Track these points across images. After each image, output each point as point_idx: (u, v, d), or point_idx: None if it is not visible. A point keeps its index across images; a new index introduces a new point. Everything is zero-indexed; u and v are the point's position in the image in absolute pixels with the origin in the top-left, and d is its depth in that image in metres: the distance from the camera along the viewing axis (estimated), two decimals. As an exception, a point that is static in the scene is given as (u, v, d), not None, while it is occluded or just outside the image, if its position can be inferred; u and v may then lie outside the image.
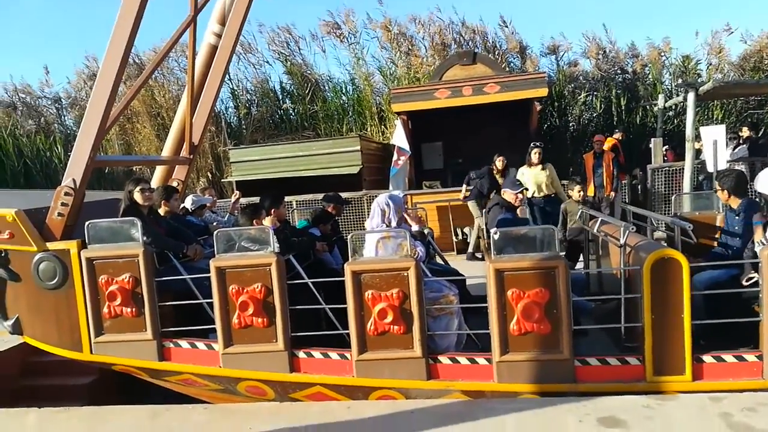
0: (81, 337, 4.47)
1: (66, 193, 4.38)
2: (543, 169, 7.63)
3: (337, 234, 6.03)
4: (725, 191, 4.51)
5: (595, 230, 5.13)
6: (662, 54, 14.01)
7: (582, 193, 6.44)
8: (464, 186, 8.75)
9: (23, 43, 31.59)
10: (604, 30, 14.78)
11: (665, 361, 3.69)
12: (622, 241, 4.06)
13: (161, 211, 5.28)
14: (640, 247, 3.90)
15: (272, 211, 5.03)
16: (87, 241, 4.35)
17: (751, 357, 3.70)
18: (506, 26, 14.50)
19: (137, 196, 4.77)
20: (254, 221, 4.79)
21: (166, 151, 6.64)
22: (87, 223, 4.35)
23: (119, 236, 4.34)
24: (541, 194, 7.60)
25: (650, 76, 13.95)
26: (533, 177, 7.63)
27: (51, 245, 4.42)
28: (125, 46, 4.36)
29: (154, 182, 6.29)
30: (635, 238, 4.14)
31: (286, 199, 9.85)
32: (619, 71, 14.34)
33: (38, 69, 28.15)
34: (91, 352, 4.49)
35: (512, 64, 14.45)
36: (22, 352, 5.86)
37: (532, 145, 7.78)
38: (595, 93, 14.12)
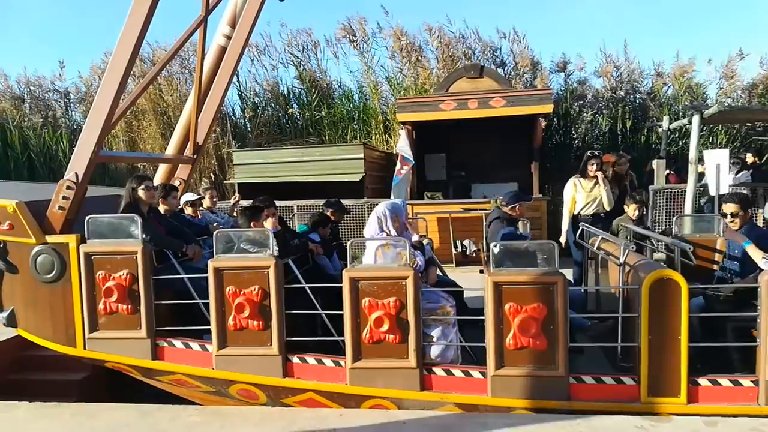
0: (75, 332, 4.46)
1: (68, 187, 4.38)
2: (598, 183, 6.59)
3: (336, 240, 6.03)
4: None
5: (594, 248, 5.12)
6: (662, 77, 14.08)
7: (638, 212, 5.81)
8: None
9: (44, 37, 31.83)
10: (624, 47, 14.58)
11: (660, 383, 3.67)
12: (621, 260, 4.05)
13: (161, 209, 5.28)
14: (639, 267, 3.89)
15: (264, 212, 5.03)
16: (86, 236, 4.35)
17: (747, 382, 3.68)
18: (520, 41, 14.50)
19: (141, 193, 4.77)
20: (252, 223, 4.79)
21: (170, 150, 6.65)
22: (87, 217, 4.34)
23: (119, 232, 4.34)
24: (592, 211, 6.58)
25: (658, 98, 13.98)
26: (587, 191, 6.62)
27: (50, 238, 4.42)
28: (135, 42, 4.37)
29: (157, 180, 6.30)
30: (635, 257, 4.13)
31: (288, 203, 9.90)
32: (631, 91, 14.36)
33: (56, 63, 28.49)
34: (85, 348, 4.47)
35: (524, 80, 14.47)
36: (16, 345, 5.83)
37: (588, 154, 6.70)
38: (602, 112, 14.15)
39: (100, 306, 4.36)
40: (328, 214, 5.95)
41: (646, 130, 13.56)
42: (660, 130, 12.11)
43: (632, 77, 14.35)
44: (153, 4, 4.37)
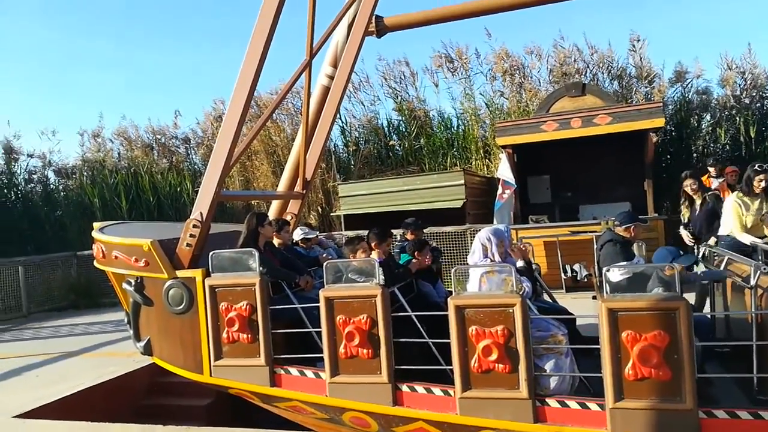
0: (202, 359, 4.79)
1: (194, 225, 4.78)
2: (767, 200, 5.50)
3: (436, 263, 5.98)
4: None
5: (721, 269, 4.74)
6: None
7: None
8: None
9: (157, 86, 35.37)
10: (748, 50, 13.46)
11: (809, 419, 3.29)
12: (752, 282, 3.72)
13: (275, 242, 5.60)
14: (774, 290, 3.55)
15: (376, 245, 5.14)
16: (210, 270, 4.71)
17: None
18: (635, 51, 13.87)
19: (266, 229, 5.10)
20: (352, 254, 4.93)
21: (282, 187, 7.06)
22: (211, 253, 4.71)
23: (239, 266, 4.65)
24: (760, 233, 5.45)
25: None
26: (754, 211, 5.49)
27: (180, 273, 4.82)
28: (248, 92, 4.76)
29: (270, 215, 6.70)
30: (768, 279, 3.78)
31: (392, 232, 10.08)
32: (757, 98, 13.21)
33: (170, 111, 31.78)
34: (211, 375, 4.79)
35: (642, 92, 13.81)
36: (151, 372, 6.38)
37: (756, 168, 5.52)
38: (726, 122, 13.10)
39: (224, 335, 4.67)
40: (408, 236, 5.97)
41: (773, 139, 12.40)
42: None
43: (757, 82, 13.21)
44: (262, 59, 4.74)
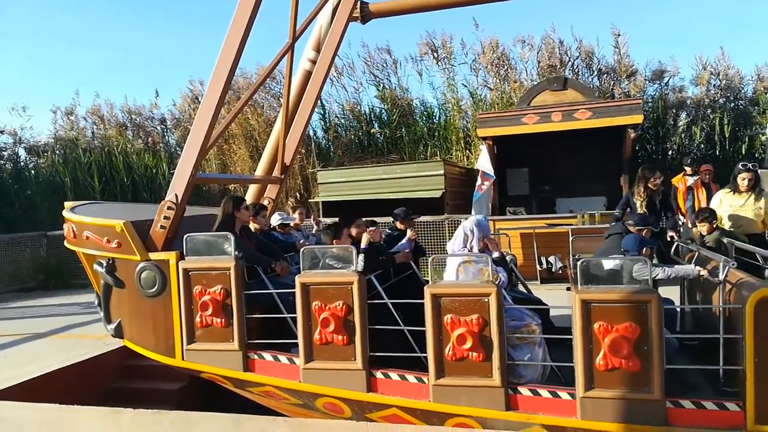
0: (174, 343, 4.74)
1: (169, 207, 4.71)
2: (755, 198, 5.47)
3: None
4: None
5: (692, 264, 4.83)
6: (765, 81, 13.10)
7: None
8: None
9: (136, 65, 34.51)
10: (721, 51, 13.73)
11: (770, 410, 3.38)
12: (721, 277, 3.80)
13: (251, 227, 5.54)
14: (742, 285, 3.63)
15: (344, 230, 5.11)
16: (185, 253, 4.64)
17: None
18: (618, 48, 14.01)
19: (239, 214, 5.02)
20: (333, 241, 4.90)
21: (260, 171, 6.98)
22: (185, 236, 4.64)
23: (214, 249, 4.60)
24: (743, 230, 5.42)
25: (761, 104, 13.01)
26: (735, 208, 5.53)
27: (153, 255, 4.75)
28: (227, 75, 4.68)
29: (247, 200, 6.62)
30: (737, 274, 3.86)
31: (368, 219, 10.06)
32: (731, 98, 13.47)
33: (149, 90, 30.91)
34: (183, 359, 4.74)
35: (623, 88, 13.95)
36: (121, 355, 6.29)
37: (740, 167, 5.56)
38: (698, 121, 13.33)
39: (197, 319, 4.62)
40: (398, 224, 5.95)
41: (747, 139, 12.65)
42: (763, 137, 11.28)
43: (731, 83, 13.46)
44: (243, 40, 4.66)
